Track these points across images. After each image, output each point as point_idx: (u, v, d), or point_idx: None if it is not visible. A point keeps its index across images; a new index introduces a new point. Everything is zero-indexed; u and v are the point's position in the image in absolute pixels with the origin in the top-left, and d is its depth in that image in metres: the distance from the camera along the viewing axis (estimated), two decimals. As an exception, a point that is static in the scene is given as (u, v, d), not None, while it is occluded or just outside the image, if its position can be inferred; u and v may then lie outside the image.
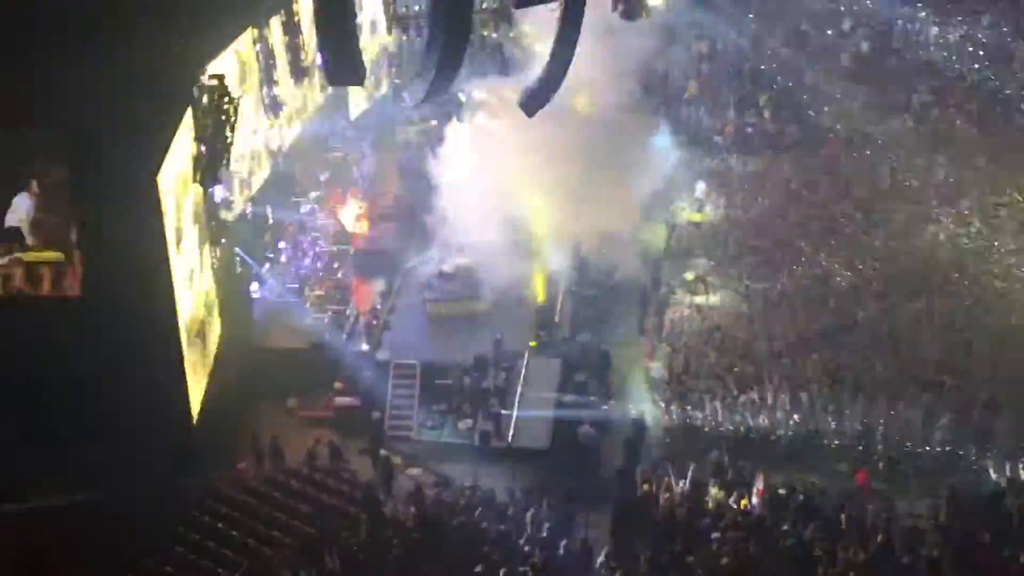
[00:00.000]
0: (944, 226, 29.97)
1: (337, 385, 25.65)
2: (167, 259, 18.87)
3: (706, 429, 23.83)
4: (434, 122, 32.67)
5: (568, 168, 26.79)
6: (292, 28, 23.53)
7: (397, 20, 20.42)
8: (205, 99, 19.11)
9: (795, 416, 23.67)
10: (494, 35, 30.12)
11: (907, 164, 32.65)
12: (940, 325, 26.30)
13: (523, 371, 25.88)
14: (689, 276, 29.34)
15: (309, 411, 25.44)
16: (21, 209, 18.34)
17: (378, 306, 28.11)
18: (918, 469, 22.88)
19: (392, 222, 31.08)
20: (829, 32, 37.28)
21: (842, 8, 37.42)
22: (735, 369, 25.22)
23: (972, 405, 23.44)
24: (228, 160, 19.98)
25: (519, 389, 25.38)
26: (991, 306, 26.87)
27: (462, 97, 29.80)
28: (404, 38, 25.91)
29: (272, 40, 23.13)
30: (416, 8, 20.17)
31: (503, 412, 24.80)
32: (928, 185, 31.79)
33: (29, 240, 18.42)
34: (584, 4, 16.96)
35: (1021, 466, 22.21)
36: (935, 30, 35.81)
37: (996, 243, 29.04)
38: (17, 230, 18.33)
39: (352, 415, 25.11)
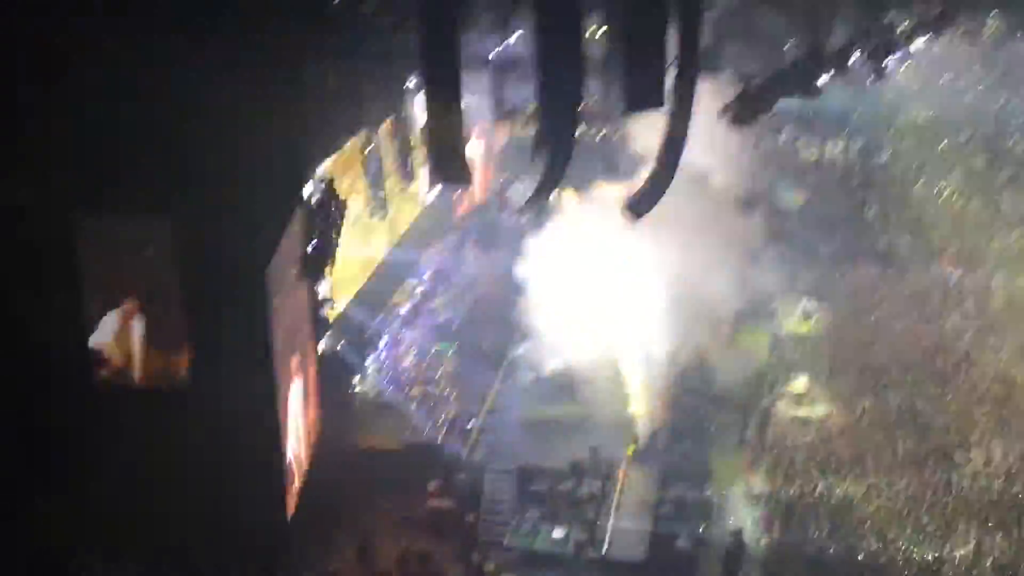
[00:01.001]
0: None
1: (432, 487, 25.46)
2: (272, 353, 19.12)
3: (809, 551, 23.03)
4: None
5: (669, 271, 26.55)
6: (402, 130, 24.07)
7: (504, 114, 20.54)
8: (315, 198, 19.60)
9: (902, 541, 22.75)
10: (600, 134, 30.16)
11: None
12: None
13: (620, 480, 25.41)
14: (793, 388, 28.73)
15: (403, 512, 25.26)
16: (107, 330, 18.67)
17: (475, 408, 28.01)
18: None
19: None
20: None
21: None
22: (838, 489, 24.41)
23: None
24: (334, 259, 20.36)
25: (615, 498, 24.89)
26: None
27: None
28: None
29: (381, 142, 23.69)
30: (525, 105, 20.16)
31: (599, 522, 24.30)
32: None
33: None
34: (691, 109, 16.96)
35: None
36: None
37: None
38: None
39: (446, 518, 24.83)
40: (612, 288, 27.36)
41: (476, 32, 20.08)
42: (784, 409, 28.01)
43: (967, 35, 30.61)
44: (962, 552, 22.34)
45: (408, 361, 29.22)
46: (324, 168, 20.51)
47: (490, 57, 20.37)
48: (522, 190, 17.23)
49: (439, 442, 26.86)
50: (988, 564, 22.08)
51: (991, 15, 26.87)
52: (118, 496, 18.70)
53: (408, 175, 24.83)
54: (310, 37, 17.95)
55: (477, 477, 25.56)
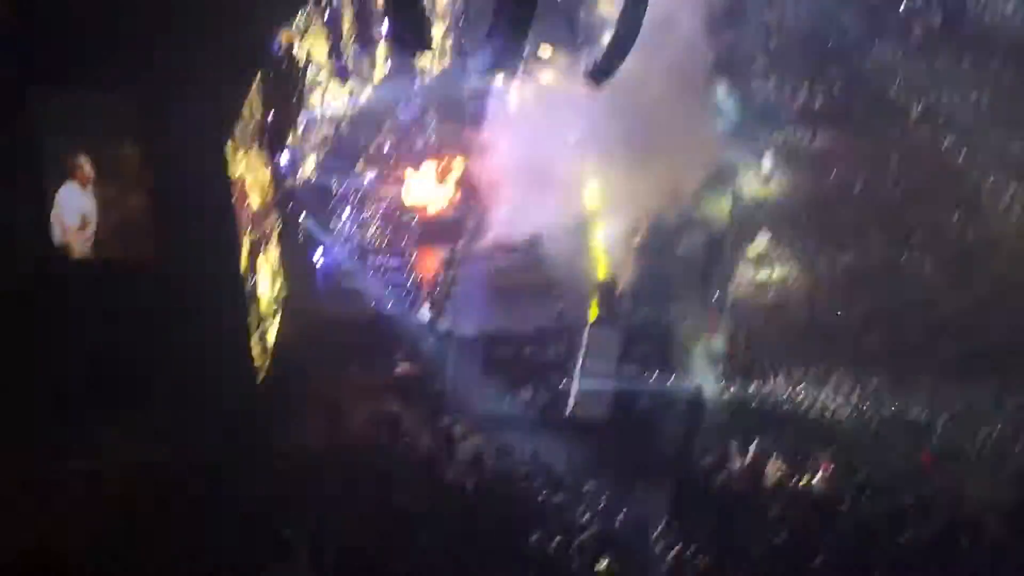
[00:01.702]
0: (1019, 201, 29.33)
1: (398, 354, 25.75)
2: (235, 225, 19.08)
3: (768, 406, 23.69)
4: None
5: (630, 137, 26.53)
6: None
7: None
8: (274, 64, 19.27)
9: (858, 395, 23.44)
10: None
11: (981, 141, 31.97)
12: (1009, 306, 25.76)
13: (584, 343, 25.84)
14: (753, 251, 29.08)
15: (370, 379, 25.59)
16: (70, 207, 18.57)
17: (440, 276, 28.16)
18: (984, 452, 22.47)
19: (457, 190, 31.07)
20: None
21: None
22: (797, 346, 24.95)
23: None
24: (296, 126, 20.14)
25: (579, 361, 25.35)
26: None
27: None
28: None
29: (341, 6, 23.15)
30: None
31: (563, 384, 24.79)
32: (1003, 160, 31.10)
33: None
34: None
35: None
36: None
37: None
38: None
39: (413, 384, 25.21)
40: (573, 155, 27.37)
41: None
42: (744, 271, 28.38)
43: None
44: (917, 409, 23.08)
45: (372, 231, 29.16)
46: (282, 34, 20.10)
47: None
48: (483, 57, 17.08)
49: (404, 310, 27.04)
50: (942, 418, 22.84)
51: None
52: (90, 369, 18.85)
53: (369, 40, 24.36)
54: None
55: (443, 344, 25.84)
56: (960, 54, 34.36)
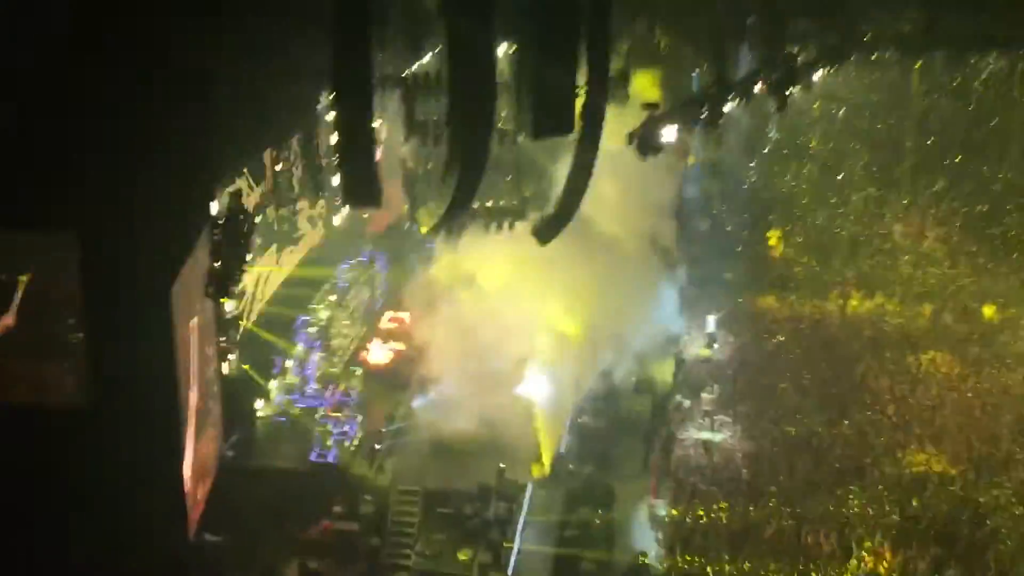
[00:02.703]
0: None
1: (336, 509, 25.21)
2: (175, 373, 18.83)
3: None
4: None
5: (578, 295, 26.86)
6: (310, 148, 23.89)
7: (414, 127, 20.40)
8: (223, 215, 19.36)
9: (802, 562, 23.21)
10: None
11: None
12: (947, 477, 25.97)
13: (526, 502, 25.50)
14: (697, 412, 29.21)
15: (306, 534, 24.96)
16: None
17: (384, 429, 27.88)
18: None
19: (404, 345, 31.13)
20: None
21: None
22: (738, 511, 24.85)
23: (982, 561, 22.93)
24: (241, 276, 20.12)
25: (521, 521, 24.95)
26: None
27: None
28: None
29: (291, 160, 23.50)
30: (435, 117, 19.96)
31: (504, 544, 24.33)
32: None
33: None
34: (599, 136, 17.24)
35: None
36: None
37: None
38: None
39: (350, 541, 24.61)
40: (518, 313, 27.56)
41: (389, 52, 20.07)
42: (687, 433, 28.41)
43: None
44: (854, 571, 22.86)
45: (315, 382, 28.97)
46: (232, 184, 20.30)
47: (403, 76, 20.32)
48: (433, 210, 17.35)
49: (344, 464, 26.63)
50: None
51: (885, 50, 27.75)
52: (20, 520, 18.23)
53: (316, 190, 24.64)
54: (217, 52, 17.79)
55: (383, 500, 25.39)
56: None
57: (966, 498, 24.84)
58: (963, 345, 31.89)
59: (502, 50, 18.65)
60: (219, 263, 19.36)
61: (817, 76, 25.04)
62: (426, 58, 22.39)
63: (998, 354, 31.37)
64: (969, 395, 29.39)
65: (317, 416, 27.62)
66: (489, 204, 21.15)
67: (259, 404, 26.83)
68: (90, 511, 18.25)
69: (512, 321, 27.40)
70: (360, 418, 28.01)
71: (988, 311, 33.37)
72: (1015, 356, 31.17)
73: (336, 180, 16.86)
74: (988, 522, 23.98)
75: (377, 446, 27.24)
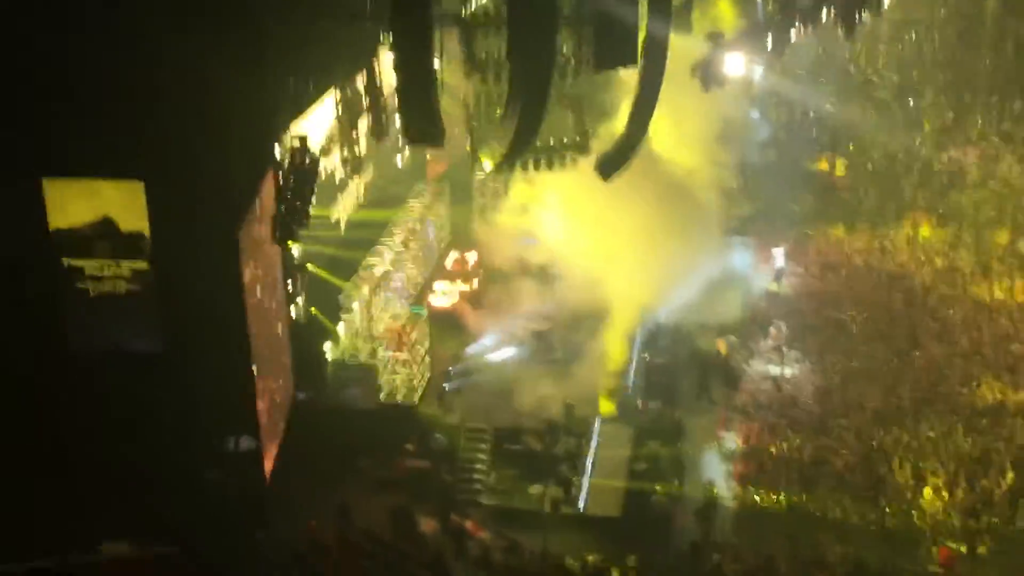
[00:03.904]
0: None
1: (408, 447, 25.54)
2: (245, 317, 19.10)
3: (780, 506, 23.36)
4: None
5: (646, 231, 26.64)
6: (374, 89, 23.75)
7: (474, 65, 20.23)
8: (287, 159, 19.47)
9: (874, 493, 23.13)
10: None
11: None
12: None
13: (595, 438, 25.61)
14: (765, 346, 29.03)
15: (380, 472, 25.34)
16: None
17: (451, 369, 28.10)
18: (1004, 549, 22.08)
19: (469, 282, 31.25)
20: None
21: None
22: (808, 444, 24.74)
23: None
24: (307, 219, 20.25)
25: (591, 456, 25.10)
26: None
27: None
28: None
29: (354, 100, 23.39)
30: (496, 55, 19.75)
31: (574, 479, 24.52)
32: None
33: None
34: (663, 68, 16.98)
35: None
36: None
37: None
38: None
39: (423, 478, 24.94)
40: (587, 248, 27.47)
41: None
42: (755, 367, 28.27)
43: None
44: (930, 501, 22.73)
45: (382, 324, 29.19)
46: (296, 126, 20.33)
47: (461, 14, 20.08)
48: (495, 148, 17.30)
49: (415, 403, 26.93)
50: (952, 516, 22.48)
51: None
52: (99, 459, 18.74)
53: (382, 133, 24.59)
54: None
55: (453, 438, 25.65)
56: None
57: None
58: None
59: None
60: (284, 207, 19.52)
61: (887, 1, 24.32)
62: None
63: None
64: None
65: (385, 357, 27.86)
66: (551, 141, 20.99)
67: (327, 347, 27.10)
68: (169, 454, 18.73)
69: (577, 259, 27.36)
70: (428, 358, 28.26)
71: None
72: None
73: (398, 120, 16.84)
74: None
75: (445, 386, 27.51)
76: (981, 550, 21.77)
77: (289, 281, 23.11)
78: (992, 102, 35.70)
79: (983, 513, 22.39)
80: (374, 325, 28.62)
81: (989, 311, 29.73)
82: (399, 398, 26.87)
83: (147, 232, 18.18)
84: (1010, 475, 22.96)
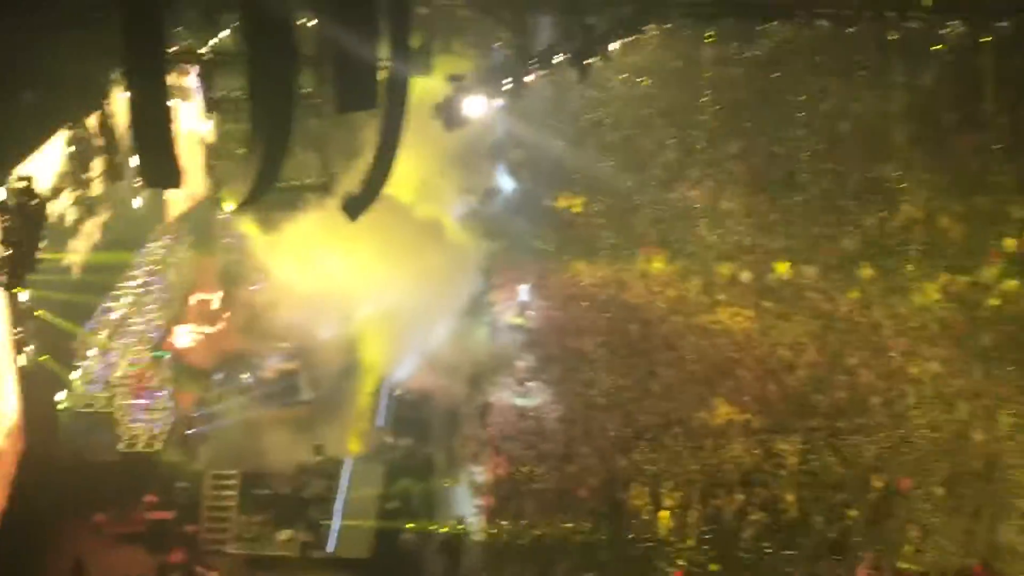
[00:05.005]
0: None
1: (149, 498, 24.52)
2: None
3: (526, 537, 23.90)
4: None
5: (391, 270, 26.85)
6: (106, 129, 22.93)
7: (213, 104, 19.70)
8: (13, 201, 18.45)
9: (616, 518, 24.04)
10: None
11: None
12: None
13: (345, 478, 25.43)
14: (510, 379, 29.71)
15: (119, 527, 24.19)
16: None
17: (195, 414, 27.23)
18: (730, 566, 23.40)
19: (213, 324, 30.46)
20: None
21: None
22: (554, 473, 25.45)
23: (779, 507, 24.29)
24: (36, 264, 19.23)
25: (341, 497, 24.89)
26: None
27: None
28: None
29: (86, 140, 22.47)
30: (236, 93, 19.44)
31: (324, 521, 24.23)
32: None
33: None
34: (404, 109, 17.19)
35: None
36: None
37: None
38: None
39: (165, 529, 24.01)
40: (330, 293, 27.38)
41: (184, 27, 19.45)
42: (501, 399, 28.90)
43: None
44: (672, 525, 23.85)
45: (120, 371, 27.94)
46: (22, 168, 19.29)
47: (199, 51, 19.71)
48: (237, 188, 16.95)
49: (156, 451, 25.92)
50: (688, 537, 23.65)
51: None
52: None
53: (116, 175, 23.69)
54: None
55: (197, 485, 24.85)
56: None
57: (766, 446, 26.21)
58: (759, 300, 33.58)
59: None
60: (11, 251, 18.47)
61: (614, 47, 25.57)
62: (223, 33, 21.81)
63: (789, 309, 33.14)
64: (766, 348, 30.96)
65: (124, 405, 26.69)
66: (296, 181, 20.91)
67: (61, 396, 25.73)
68: None
69: (322, 297, 27.22)
70: (170, 404, 27.28)
71: (781, 268, 35.11)
72: (807, 311, 32.96)
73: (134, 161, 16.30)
74: (783, 471, 25.43)
75: (188, 432, 26.64)
76: (713, 567, 23.03)
77: (18, 328, 21.86)
78: (711, 145, 38.16)
79: (714, 532, 23.70)
80: (112, 371, 27.41)
81: (716, 338, 31.59)
82: (139, 447, 25.79)
83: None
84: (739, 495, 24.42)
